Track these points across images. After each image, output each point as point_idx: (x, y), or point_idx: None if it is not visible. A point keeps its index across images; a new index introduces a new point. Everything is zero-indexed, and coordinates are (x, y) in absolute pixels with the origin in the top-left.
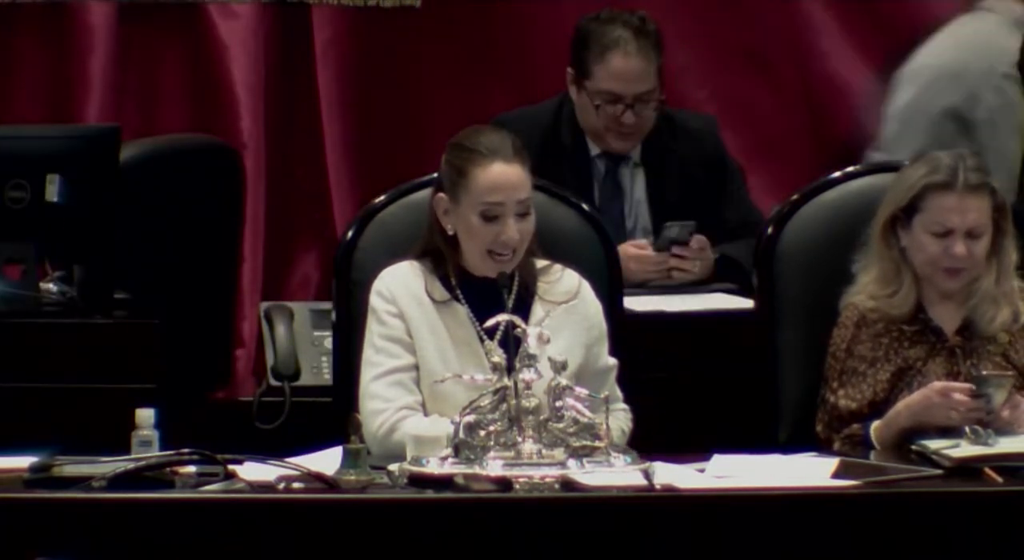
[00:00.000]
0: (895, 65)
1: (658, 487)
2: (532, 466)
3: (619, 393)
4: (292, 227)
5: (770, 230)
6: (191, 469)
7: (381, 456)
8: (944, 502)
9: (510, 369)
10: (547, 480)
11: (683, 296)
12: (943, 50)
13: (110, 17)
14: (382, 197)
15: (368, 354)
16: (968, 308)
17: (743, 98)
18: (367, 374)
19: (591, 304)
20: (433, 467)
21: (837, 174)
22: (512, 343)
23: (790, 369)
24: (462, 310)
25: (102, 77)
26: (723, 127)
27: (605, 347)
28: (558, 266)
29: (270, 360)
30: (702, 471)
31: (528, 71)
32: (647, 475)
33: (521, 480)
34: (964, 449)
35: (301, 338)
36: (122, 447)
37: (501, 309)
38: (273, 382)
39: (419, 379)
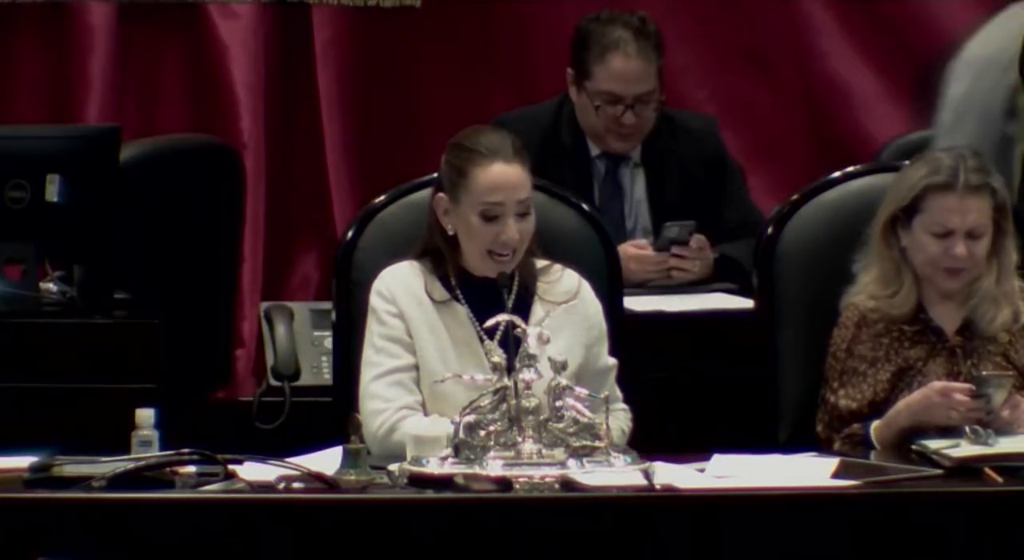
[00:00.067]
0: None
1: (658, 487)
2: (532, 466)
3: (619, 393)
4: (292, 227)
5: (770, 230)
6: (191, 469)
7: (381, 456)
8: (944, 502)
9: (510, 369)
10: (547, 480)
11: (683, 296)
12: (993, 40)
13: (110, 17)
14: (382, 197)
15: (368, 354)
16: (968, 308)
17: (743, 98)
18: (367, 374)
19: (591, 304)
20: (433, 467)
21: (837, 174)
22: (512, 343)
23: (790, 369)
24: (462, 310)
25: (102, 77)
26: (723, 127)
27: (605, 347)
28: (558, 266)
29: (270, 360)
30: (702, 471)
31: (528, 71)
32: (647, 475)
33: (521, 480)
34: (964, 449)
35: (301, 338)
36: (122, 447)
37: (501, 309)
38: (273, 382)
39: (419, 379)
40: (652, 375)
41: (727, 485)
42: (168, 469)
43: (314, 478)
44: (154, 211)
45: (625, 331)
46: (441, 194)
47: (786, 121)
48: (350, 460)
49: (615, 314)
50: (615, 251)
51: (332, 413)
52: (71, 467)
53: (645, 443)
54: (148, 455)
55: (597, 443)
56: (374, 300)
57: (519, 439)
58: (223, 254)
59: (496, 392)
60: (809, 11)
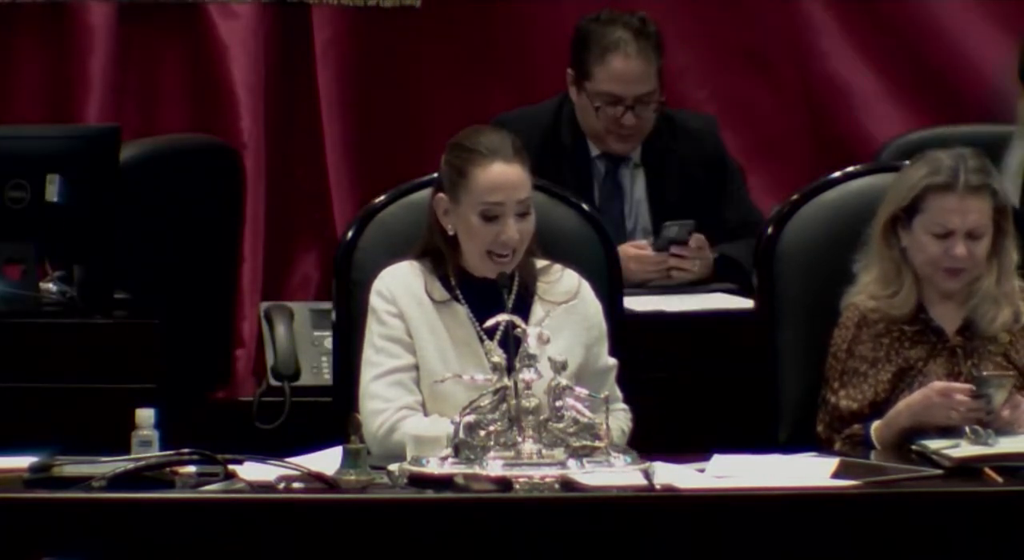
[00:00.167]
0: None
1: (658, 487)
2: (532, 466)
3: (619, 393)
4: (292, 227)
5: (770, 230)
6: (191, 469)
7: (381, 456)
8: (944, 502)
9: (510, 369)
10: (547, 480)
11: (683, 296)
12: None
13: (110, 17)
14: (382, 197)
15: (368, 354)
16: (969, 308)
17: (743, 98)
18: (367, 374)
19: (591, 304)
20: (433, 467)
21: (837, 174)
22: (512, 343)
23: (790, 369)
24: (462, 310)
25: (102, 77)
26: (723, 127)
27: (605, 347)
28: (558, 266)
29: (270, 360)
30: (702, 471)
31: (528, 71)
32: (647, 475)
33: (521, 480)
34: (964, 449)
35: (301, 338)
36: (122, 447)
37: (501, 309)
38: (273, 382)
39: (419, 379)
40: (652, 375)
41: (727, 485)
42: (168, 469)
43: (314, 478)
44: (154, 211)
45: (625, 331)
46: (441, 194)
47: (786, 121)
48: (350, 460)
49: (615, 314)
50: (615, 251)
51: (332, 413)
52: (71, 467)
53: (645, 443)
54: (148, 455)
55: (597, 443)
56: (374, 300)
57: (519, 439)
58: (223, 254)
59: (496, 392)
60: (809, 11)
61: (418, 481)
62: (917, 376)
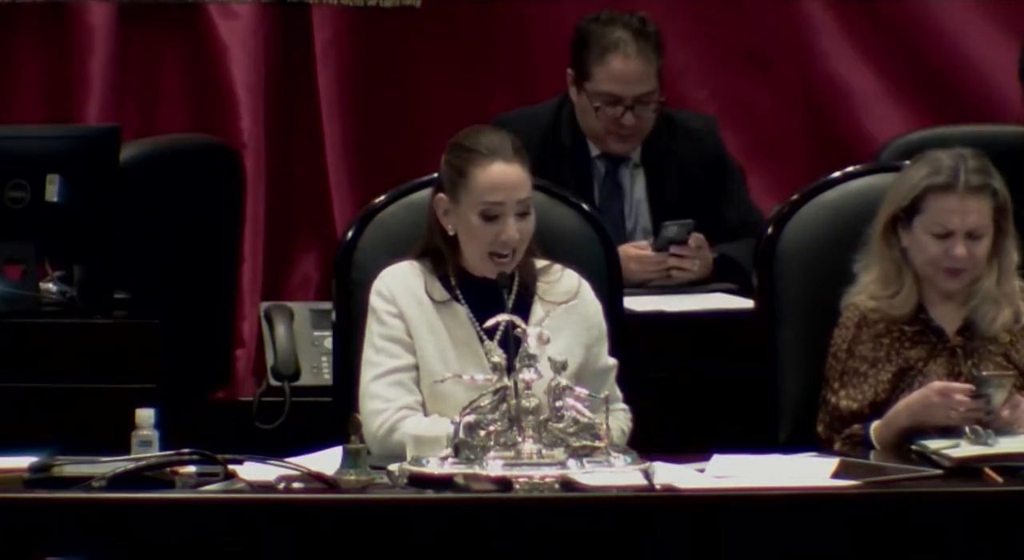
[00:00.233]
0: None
1: (658, 487)
2: (532, 466)
3: (619, 393)
4: (292, 227)
5: (770, 230)
6: (191, 469)
7: (381, 456)
8: (944, 502)
9: (510, 369)
10: (547, 480)
11: (683, 296)
12: None
13: (110, 17)
14: (382, 197)
15: (368, 354)
16: (969, 309)
17: (743, 98)
18: (367, 374)
19: (591, 304)
20: (433, 467)
21: (837, 174)
22: (512, 343)
23: (790, 369)
24: (462, 310)
25: (102, 77)
26: (723, 127)
27: (605, 347)
28: (558, 266)
29: (270, 360)
30: (702, 471)
31: (528, 71)
32: (647, 475)
33: (521, 480)
34: (964, 449)
35: (301, 338)
36: (122, 447)
37: (501, 309)
38: (273, 382)
39: (419, 379)
40: (652, 375)
41: (727, 485)
42: (168, 469)
43: (314, 478)
44: (154, 211)
45: (625, 331)
46: (441, 194)
47: (786, 121)
48: (350, 460)
49: (615, 314)
50: (615, 251)
51: (332, 413)
52: (71, 467)
53: (645, 443)
54: (148, 455)
55: (597, 443)
56: (374, 300)
57: (519, 439)
58: (223, 254)
59: (496, 392)
60: (809, 11)
61: (418, 481)
62: (917, 376)
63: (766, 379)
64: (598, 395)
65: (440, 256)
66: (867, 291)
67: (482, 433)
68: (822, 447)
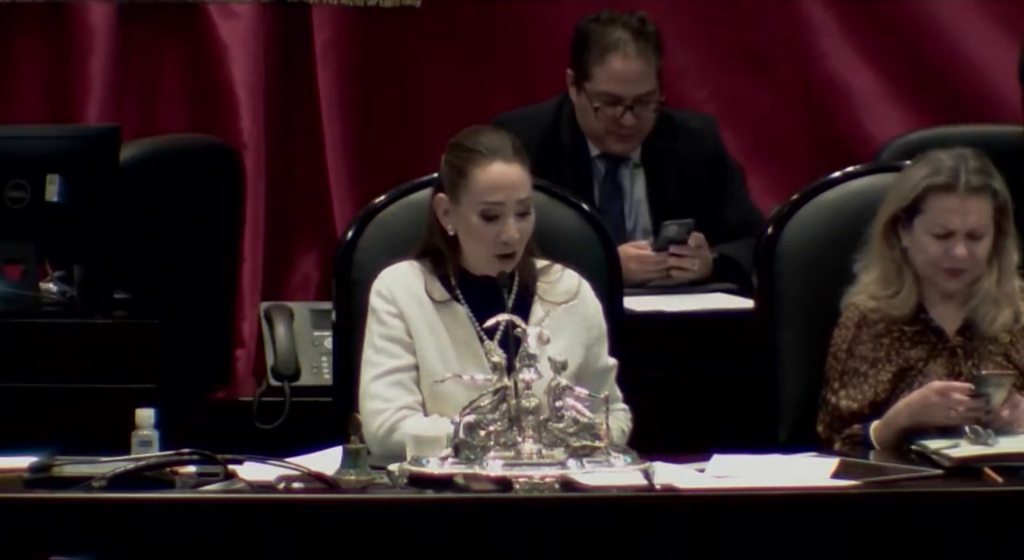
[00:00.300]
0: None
1: (658, 487)
2: (532, 466)
3: (619, 393)
4: (292, 227)
5: (770, 230)
6: (191, 469)
7: (381, 456)
8: (944, 502)
9: (510, 369)
10: (547, 480)
11: (683, 296)
12: None
13: (110, 17)
14: (382, 197)
15: (368, 354)
16: (969, 309)
17: (743, 98)
18: (367, 374)
19: (591, 304)
20: (433, 467)
21: (837, 174)
22: (512, 343)
23: (790, 369)
24: (462, 310)
25: (102, 77)
26: (723, 127)
27: (605, 347)
28: (558, 266)
29: (270, 360)
30: (702, 471)
31: (528, 71)
32: (647, 475)
33: (521, 480)
34: (964, 449)
35: (301, 338)
36: (122, 447)
37: (501, 309)
38: (273, 382)
39: (419, 379)
40: (652, 375)
41: (727, 485)
42: (168, 469)
43: (314, 478)
44: (154, 211)
45: (625, 331)
46: (441, 194)
47: (786, 121)
48: (350, 460)
49: (615, 314)
50: (615, 251)
51: (332, 413)
52: (71, 467)
53: (645, 443)
54: (148, 455)
55: (597, 443)
56: (374, 300)
57: (519, 439)
58: (223, 254)
59: (496, 392)
60: (809, 11)
61: (418, 481)
62: (917, 376)
63: (766, 379)
64: (598, 395)
65: (440, 256)
66: (867, 291)
67: (482, 433)
68: (822, 447)
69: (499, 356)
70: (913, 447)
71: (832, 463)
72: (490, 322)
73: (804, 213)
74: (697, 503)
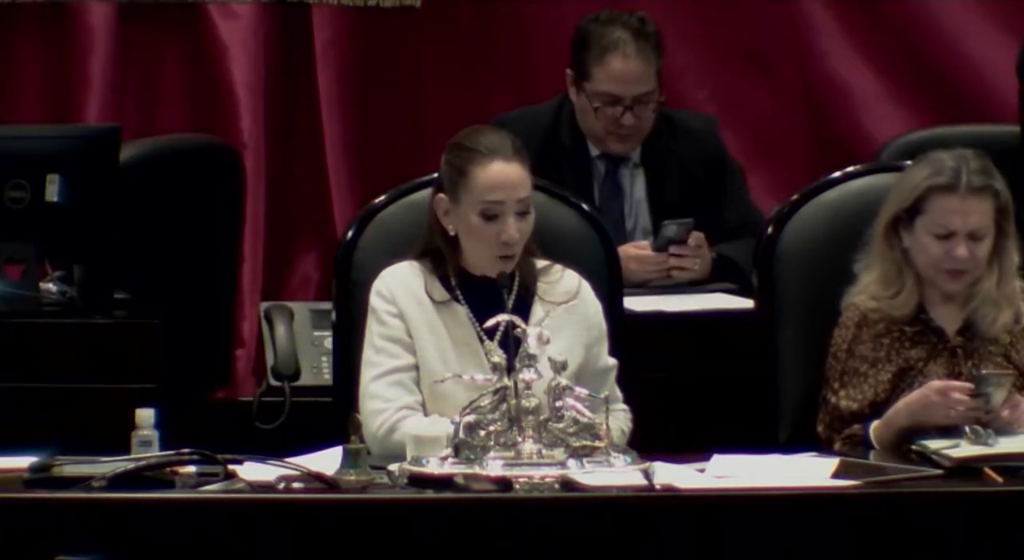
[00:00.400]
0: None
1: (658, 487)
2: (532, 466)
3: (619, 393)
4: (292, 227)
5: (770, 230)
6: (191, 469)
7: (381, 456)
8: (944, 502)
9: (510, 369)
10: (547, 480)
11: (683, 296)
12: None
13: (110, 17)
14: (382, 197)
15: (368, 354)
16: (969, 310)
17: (743, 98)
18: (367, 374)
19: (591, 304)
20: (433, 467)
21: (837, 174)
22: (512, 343)
23: (790, 369)
24: (462, 310)
25: (102, 77)
26: (723, 127)
27: (605, 347)
28: (558, 266)
29: (270, 360)
30: (702, 471)
31: (528, 71)
32: (647, 475)
33: (521, 480)
34: (964, 449)
35: (301, 338)
36: (122, 447)
37: (501, 309)
38: (273, 382)
39: (419, 379)
40: (652, 375)
41: (727, 485)
42: (168, 469)
43: (314, 478)
44: (154, 211)
45: (625, 331)
46: (441, 194)
47: (786, 121)
48: (350, 460)
49: (615, 314)
50: (615, 251)
51: (332, 413)
52: (71, 467)
53: (645, 443)
54: (148, 455)
55: (597, 443)
56: (374, 300)
57: (519, 439)
58: (223, 254)
59: (496, 392)
60: (809, 11)
61: (418, 481)
62: (917, 376)
63: (766, 379)
64: (598, 395)
65: (440, 256)
66: (868, 291)
67: (482, 433)
68: (822, 447)
69: (499, 356)
70: (913, 447)
71: (832, 463)
72: (490, 322)
73: (804, 213)
74: (697, 503)
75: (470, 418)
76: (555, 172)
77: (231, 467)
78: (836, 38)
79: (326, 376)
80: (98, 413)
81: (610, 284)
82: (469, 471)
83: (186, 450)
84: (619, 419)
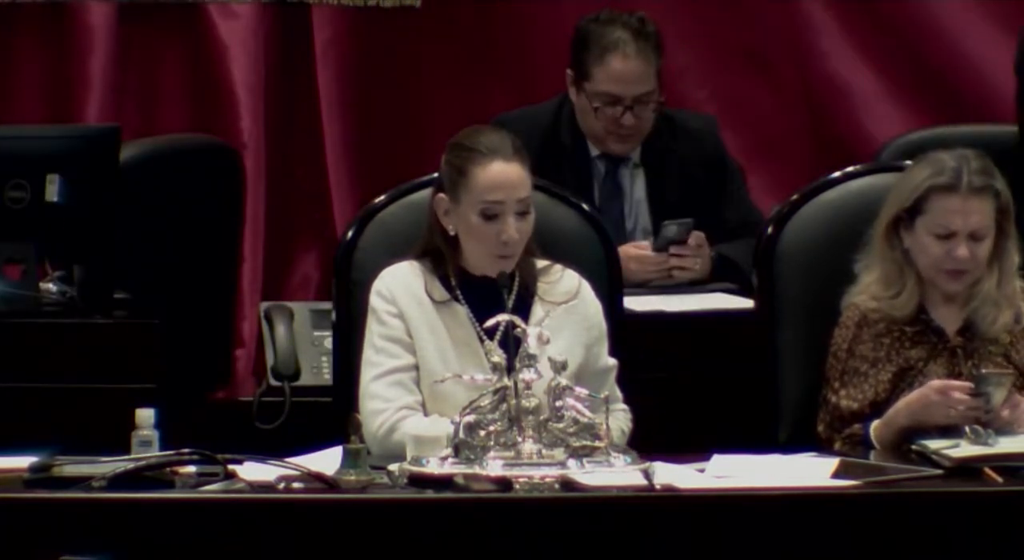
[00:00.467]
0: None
1: (658, 487)
2: (532, 466)
3: (619, 393)
4: (292, 227)
5: (770, 230)
6: (191, 469)
7: (381, 456)
8: (944, 502)
9: (510, 369)
10: (547, 480)
11: (683, 296)
12: None
13: (110, 17)
14: (382, 197)
15: (368, 354)
16: (969, 310)
17: (743, 98)
18: (367, 374)
19: (591, 304)
20: (433, 467)
21: (837, 174)
22: (512, 343)
23: (790, 369)
24: (462, 310)
25: (102, 77)
26: (723, 127)
27: (605, 347)
28: (558, 266)
29: (270, 360)
30: (702, 471)
31: (528, 71)
32: (647, 475)
33: (521, 480)
34: (964, 449)
35: (301, 338)
36: (122, 447)
37: (501, 309)
38: (273, 382)
39: (419, 379)
40: (652, 375)
41: (727, 485)
42: (168, 469)
43: (314, 478)
44: (154, 211)
45: (625, 331)
46: (441, 194)
47: (786, 121)
48: (350, 460)
49: (615, 314)
50: (615, 251)
51: (332, 413)
52: (71, 467)
53: (645, 443)
54: (148, 455)
55: (597, 443)
56: (374, 300)
57: (519, 439)
58: (223, 254)
59: (496, 392)
60: (809, 11)
61: (418, 481)
62: (917, 376)
63: (766, 379)
64: (598, 395)
65: (440, 256)
66: (869, 291)
67: (482, 433)
68: (822, 447)
69: (499, 356)
70: (913, 447)
71: (832, 463)
72: (490, 322)
73: (804, 213)
74: (697, 503)
75: (470, 418)
76: (555, 172)
77: (231, 467)
78: (836, 38)
79: (326, 376)
80: (98, 413)
81: (610, 284)
82: (469, 471)
83: (186, 450)
84: (619, 419)
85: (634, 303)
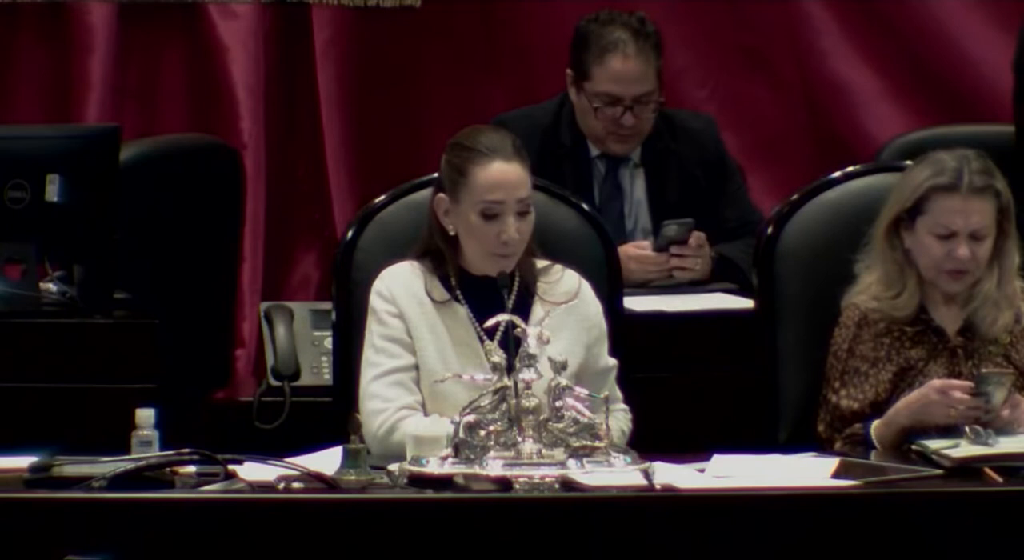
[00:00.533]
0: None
1: (658, 487)
2: (532, 466)
3: (619, 393)
4: (292, 227)
5: (770, 230)
6: (191, 469)
7: (381, 456)
8: (944, 502)
9: (510, 369)
10: (547, 480)
11: (683, 296)
12: None
13: (110, 17)
14: (382, 197)
15: (368, 354)
16: (969, 311)
17: (743, 98)
18: (367, 374)
19: (591, 304)
20: (433, 467)
21: (837, 174)
22: (512, 343)
23: (790, 369)
24: (462, 310)
25: (102, 77)
26: (723, 127)
27: (605, 347)
28: (558, 266)
29: (270, 360)
30: (702, 471)
31: (528, 71)
32: (647, 475)
33: (521, 480)
34: (964, 449)
35: (301, 338)
36: (122, 447)
37: (501, 309)
38: (273, 382)
39: (419, 379)
40: (652, 375)
41: (727, 485)
42: (168, 469)
43: (314, 478)
44: (154, 211)
45: (625, 331)
46: (441, 194)
47: (786, 121)
48: (350, 460)
49: (615, 314)
50: (615, 251)
51: (332, 413)
52: (71, 467)
53: (645, 443)
54: (148, 455)
55: (597, 443)
56: (374, 300)
57: (519, 439)
58: (223, 254)
59: (496, 392)
60: (809, 11)
61: (418, 481)
62: (918, 376)
63: (766, 379)
64: (598, 395)
65: (440, 256)
66: (869, 292)
67: (482, 433)
68: (822, 447)
69: (499, 356)
70: (913, 447)
71: (832, 463)
72: (490, 322)
73: (804, 213)
74: (697, 503)
75: (470, 418)
76: (555, 172)
77: (231, 467)
78: (836, 38)
79: (326, 376)
80: (98, 413)
81: (610, 284)
82: (469, 471)
83: (186, 450)
84: (619, 419)
85: (634, 303)
